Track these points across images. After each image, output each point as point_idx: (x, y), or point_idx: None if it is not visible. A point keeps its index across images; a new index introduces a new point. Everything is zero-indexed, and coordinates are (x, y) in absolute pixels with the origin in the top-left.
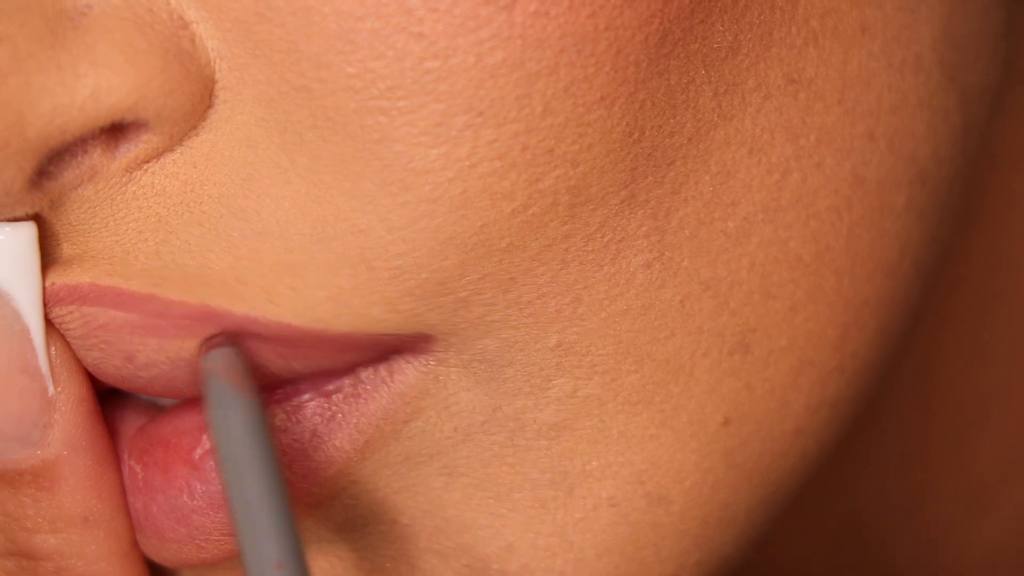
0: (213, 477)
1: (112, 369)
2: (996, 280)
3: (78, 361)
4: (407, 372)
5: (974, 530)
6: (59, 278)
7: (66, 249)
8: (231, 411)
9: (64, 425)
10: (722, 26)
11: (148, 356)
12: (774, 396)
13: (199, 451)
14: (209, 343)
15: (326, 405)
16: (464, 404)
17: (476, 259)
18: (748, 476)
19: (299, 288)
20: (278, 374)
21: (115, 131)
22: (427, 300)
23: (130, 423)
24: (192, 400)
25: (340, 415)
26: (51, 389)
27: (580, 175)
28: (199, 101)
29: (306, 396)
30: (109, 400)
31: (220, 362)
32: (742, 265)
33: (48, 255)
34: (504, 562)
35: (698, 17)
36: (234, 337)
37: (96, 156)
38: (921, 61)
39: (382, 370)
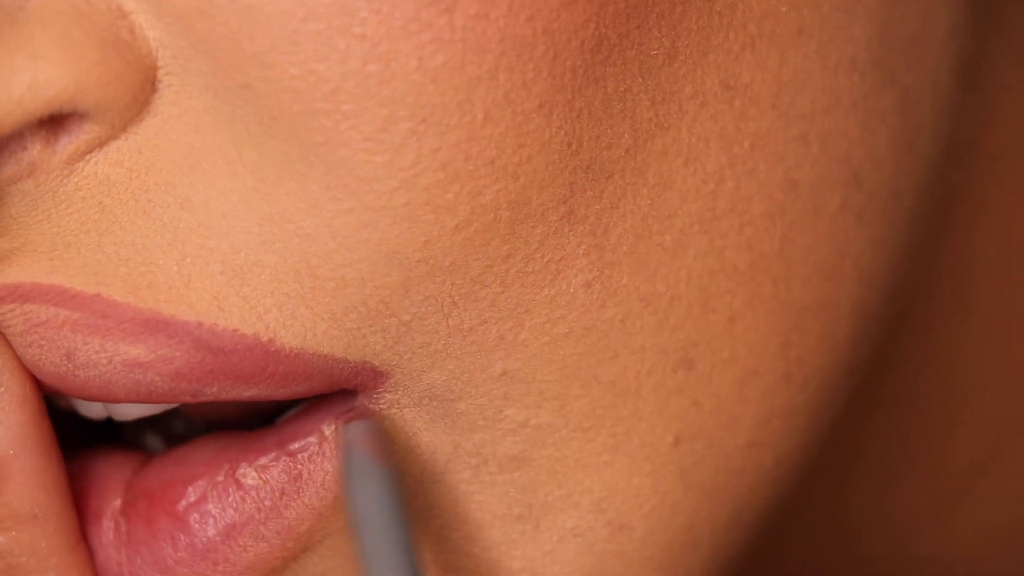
0: (197, 529)
1: (50, 367)
2: (969, 281)
3: (19, 360)
4: (360, 406)
5: (948, 524)
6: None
7: (5, 243)
8: (370, 482)
9: (9, 424)
10: (659, 32)
11: (88, 356)
12: (722, 410)
13: (183, 504)
14: (348, 415)
15: (291, 464)
16: (425, 445)
17: (419, 277)
18: (707, 496)
19: (247, 294)
20: (238, 412)
21: (55, 123)
22: (372, 320)
23: (114, 476)
24: (177, 451)
25: (306, 473)
26: None
27: (520, 188)
28: (140, 89)
29: (271, 455)
30: (91, 454)
31: (359, 433)
32: (680, 279)
33: None
34: None
35: (634, 22)
36: (372, 412)
37: (36, 151)
38: (856, 62)
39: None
